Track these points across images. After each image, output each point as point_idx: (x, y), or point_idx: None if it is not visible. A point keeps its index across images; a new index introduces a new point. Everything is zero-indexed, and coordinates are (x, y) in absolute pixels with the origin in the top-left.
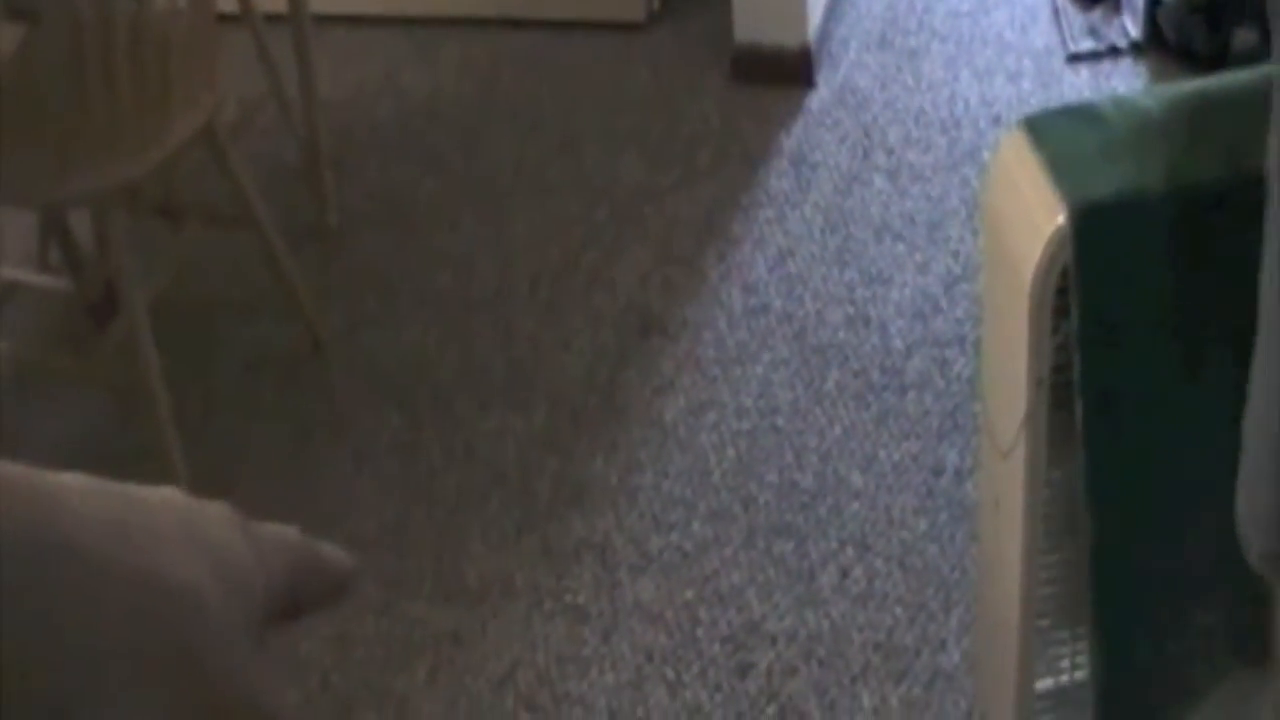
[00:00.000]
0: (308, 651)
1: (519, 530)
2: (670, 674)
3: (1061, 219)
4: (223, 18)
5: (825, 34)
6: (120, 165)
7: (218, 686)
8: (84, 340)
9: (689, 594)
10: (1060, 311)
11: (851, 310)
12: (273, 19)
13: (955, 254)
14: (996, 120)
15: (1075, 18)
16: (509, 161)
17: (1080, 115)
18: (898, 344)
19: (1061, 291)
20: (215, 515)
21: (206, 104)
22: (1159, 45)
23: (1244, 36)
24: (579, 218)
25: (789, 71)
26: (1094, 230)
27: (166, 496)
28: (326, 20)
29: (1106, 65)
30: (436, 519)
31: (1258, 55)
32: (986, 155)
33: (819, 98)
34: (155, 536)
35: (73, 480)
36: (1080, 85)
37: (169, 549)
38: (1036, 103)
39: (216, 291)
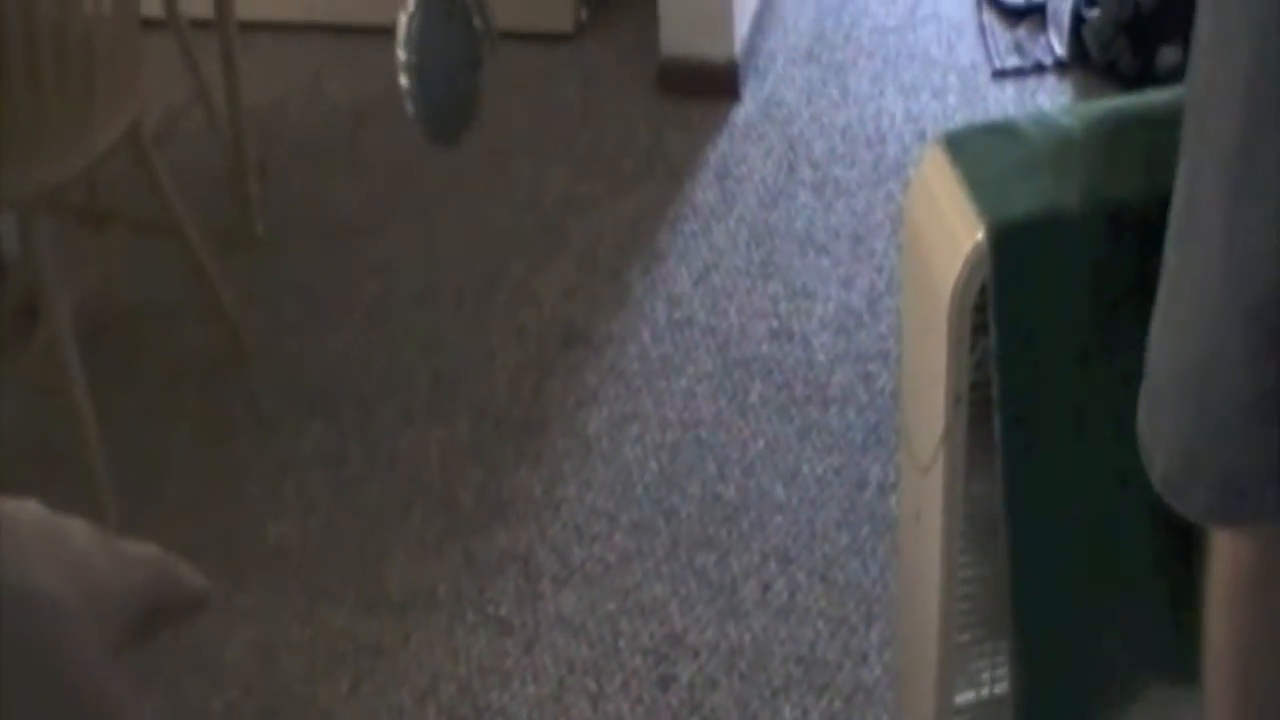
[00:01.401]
0: (230, 659)
1: (441, 541)
2: (592, 686)
3: (980, 236)
4: (147, 23)
5: (752, 47)
6: (44, 169)
7: (75, 694)
8: (7, 344)
9: (611, 606)
10: (979, 328)
11: (775, 324)
12: (198, 25)
13: (879, 269)
14: (921, 136)
15: (1001, 35)
16: (435, 171)
17: (1000, 132)
18: (821, 358)
19: (980, 308)
20: (77, 529)
21: (131, 109)
22: (1084, 63)
23: (1168, 55)
24: (505, 228)
25: (715, 84)
26: (1012, 247)
27: (29, 509)
28: (252, 27)
29: (1032, 82)
30: (360, 528)
31: (1182, 74)
32: (911, 171)
33: (745, 111)
34: (17, 546)
35: None
36: (1005, 102)
37: (29, 559)
38: (961, 119)
39: (141, 298)
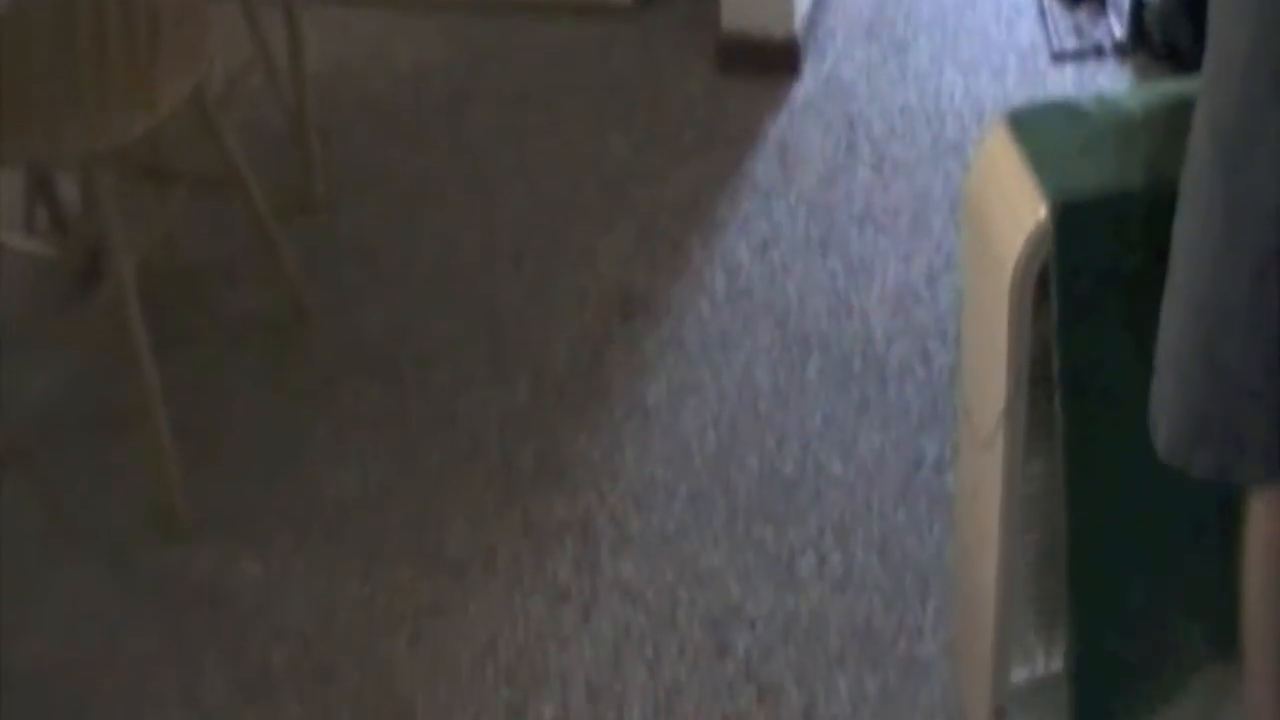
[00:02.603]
0: (290, 615)
1: (500, 504)
2: (649, 653)
3: (1043, 213)
4: None
5: (812, 24)
6: (110, 129)
7: None
8: (70, 304)
9: (669, 575)
10: (1040, 304)
11: (834, 299)
12: None
13: (938, 247)
14: (980, 115)
15: (1060, 17)
16: (495, 139)
17: (1063, 111)
18: (879, 334)
19: (1041, 285)
20: None
21: (196, 71)
22: (1144, 45)
23: None
24: (564, 196)
25: (775, 61)
26: (1075, 225)
27: None
28: None
29: (1091, 65)
30: (419, 489)
31: None
32: (970, 149)
33: (804, 87)
34: None
35: None
36: (1064, 84)
37: None
38: (1020, 100)
39: (203, 258)
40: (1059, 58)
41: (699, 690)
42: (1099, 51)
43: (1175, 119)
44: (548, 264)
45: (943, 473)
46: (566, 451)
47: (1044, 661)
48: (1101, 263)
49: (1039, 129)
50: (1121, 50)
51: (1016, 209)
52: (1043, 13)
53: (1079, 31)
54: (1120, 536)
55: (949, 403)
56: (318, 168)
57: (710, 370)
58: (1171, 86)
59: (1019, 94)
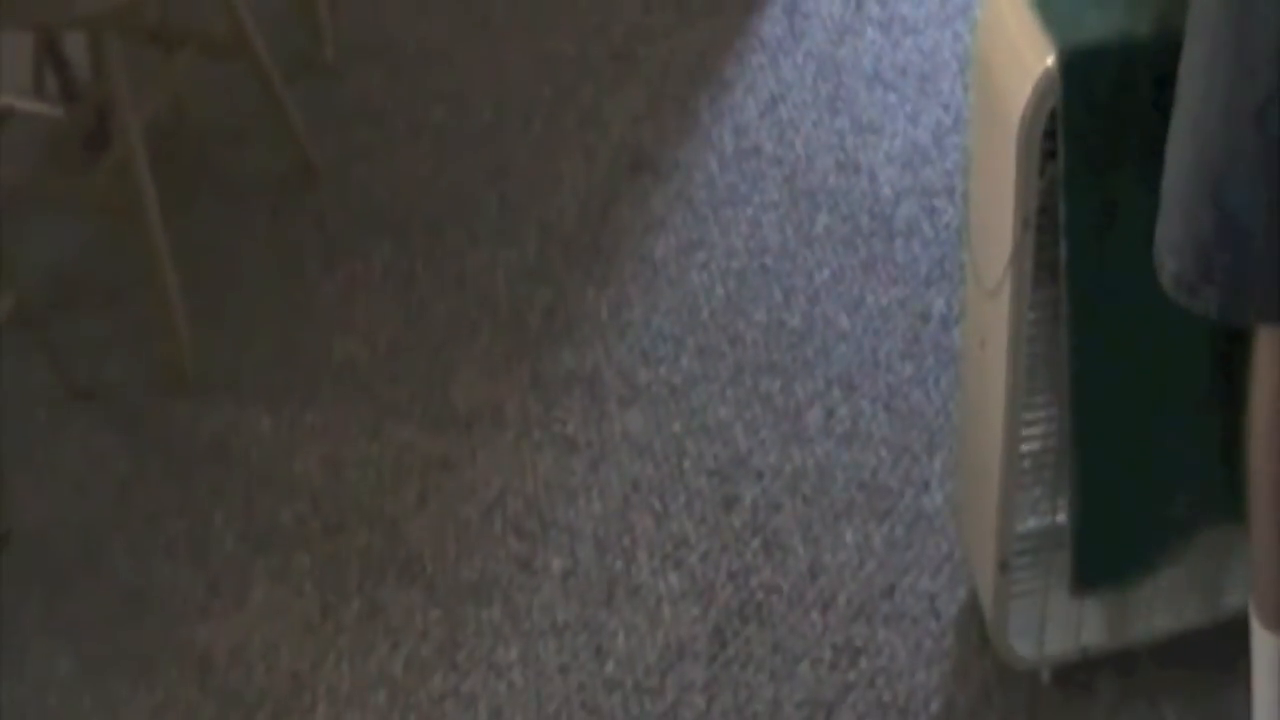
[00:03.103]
0: (299, 473)
1: (509, 359)
2: (656, 505)
3: (1050, 61)
4: None
5: None
6: None
7: None
8: (78, 167)
9: (676, 427)
10: (1047, 154)
11: (842, 156)
12: None
13: (946, 106)
14: None
15: None
16: (504, 1)
17: None
18: (887, 191)
19: (1049, 134)
20: None
21: None
22: None
23: None
24: (573, 56)
25: None
26: (1082, 73)
27: None
28: None
29: None
30: (427, 347)
31: None
32: (978, 9)
33: None
34: None
35: None
36: None
37: None
38: None
39: (210, 120)
40: None
41: (706, 542)
42: None
43: None
44: (556, 124)
45: (950, 328)
46: (574, 307)
47: (1051, 513)
48: (1108, 110)
49: None
50: None
51: (1024, 57)
52: None
53: None
54: (1124, 390)
55: (956, 259)
56: (326, 30)
57: (718, 226)
58: None
59: None
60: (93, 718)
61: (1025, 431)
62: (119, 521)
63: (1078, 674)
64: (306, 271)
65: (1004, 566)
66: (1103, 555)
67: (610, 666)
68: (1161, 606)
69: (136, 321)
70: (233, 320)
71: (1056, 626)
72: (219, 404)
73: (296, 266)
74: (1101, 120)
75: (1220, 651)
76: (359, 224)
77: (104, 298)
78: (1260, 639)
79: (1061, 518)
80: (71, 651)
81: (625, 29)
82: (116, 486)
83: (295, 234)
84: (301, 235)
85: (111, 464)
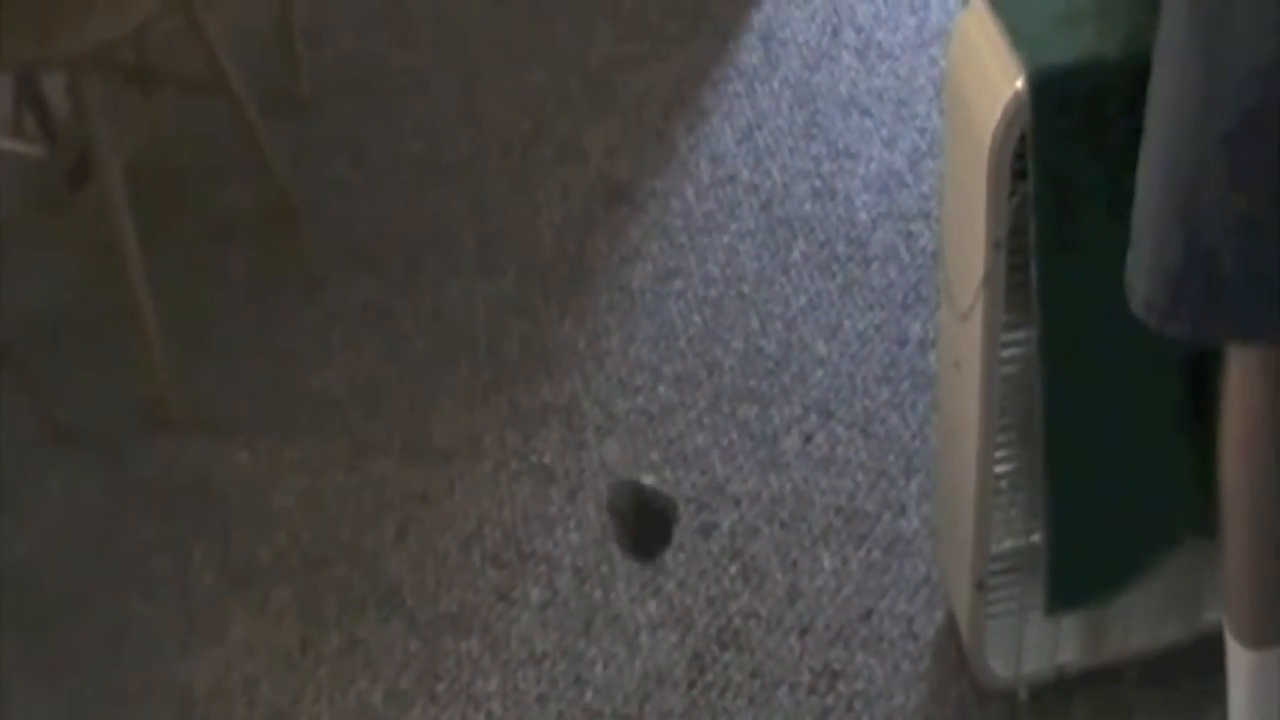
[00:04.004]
0: (278, 508)
1: (487, 392)
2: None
3: (1020, 84)
4: None
5: None
6: (96, 28)
7: None
8: (59, 206)
9: (654, 455)
10: (1018, 176)
11: (818, 183)
12: None
13: (922, 131)
14: (965, 1)
15: None
16: (480, 31)
17: None
18: (863, 217)
19: (1020, 156)
20: None
21: None
22: None
23: None
24: (549, 87)
25: None
26: (1051, 95)
27: None
28: None
29: None
30: (406, 380)
31: None
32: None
33: None
34: None
35: None
36: None
37: None
38: None
39: (189, 158)
40: None
41: (684, 570)
42: None
43: None
44: (533, 155)
45: (926, 352)
46: (552, 338)
47: (1025, 538)
48: (1079, 133)
49: (1017, 2)
50: None
51: (994, 80)
52: None
53: None
54: (1097, 410)
55: (932, 284)
56: (302, 64)
57: (695, 255)
58: None
59: None
60: None
61: (1000, 453)
62: (100, 560)
63: (1055, 693)
64: (284, 306)
65: (980, 587)
66: (1077, 575)
67: (589, 695)
68: (1138, 623)
69: (116, 359)
70: (212, 356)
71: (1033, 646)
72: (199, 440)
73: (275, 302)
74: (1071, 142)
75: (1197, 667)
76: (337, 258)
77: (84, 336)
78: (1235, 654)
79: (1037, 538)
80: (54, 691)
81: (602, 59)
82: (98, 525)
83: (274, 269)
84: (280, 271)
85: (93, 502)
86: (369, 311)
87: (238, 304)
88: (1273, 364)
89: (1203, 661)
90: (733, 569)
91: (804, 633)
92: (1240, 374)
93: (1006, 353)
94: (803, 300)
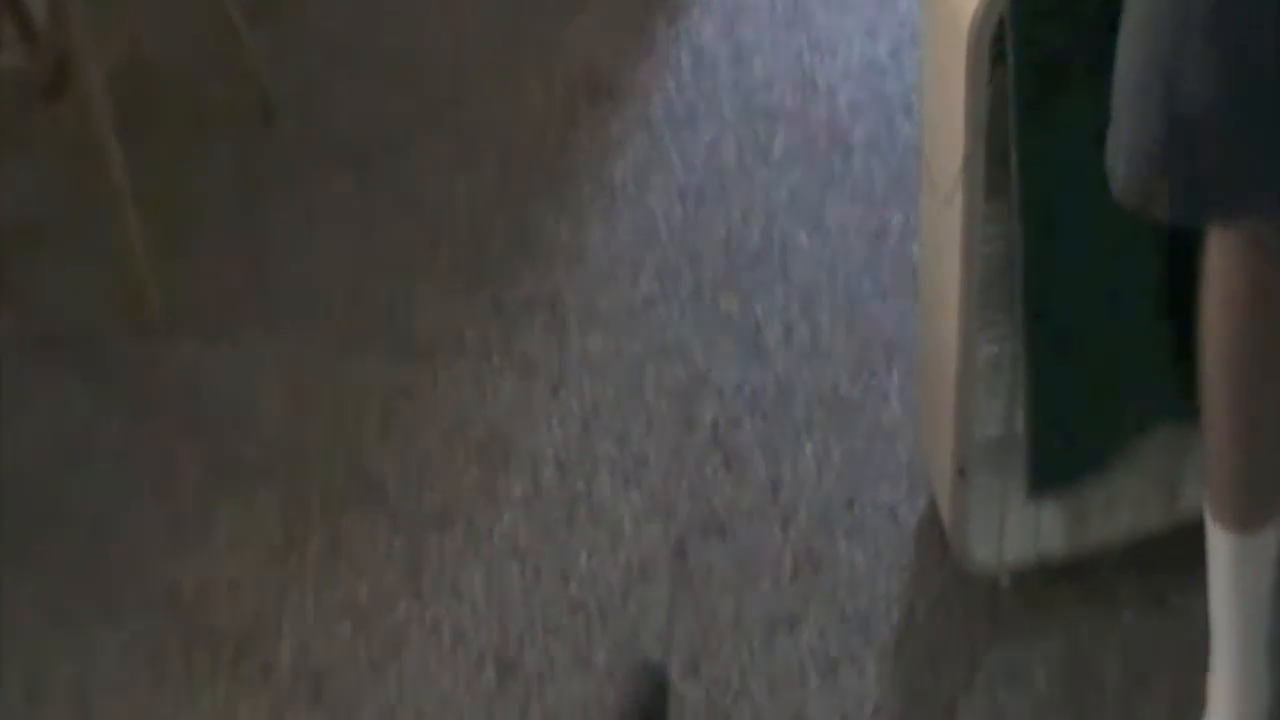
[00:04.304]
0: (261, 409)
1: (469, 286)
2: (618, 426)
3: None
4: None
5: None
6: None
7: None
8: (39, 111)
9: (636, 348)
10: (998, 60)
11: (799, 75)
12: None
13: (903, 23)
14: None
15: None
16: None
17: None
18: (844, 108)
19: (998, 40)
20: None
21: None
22: None
23: None
24: None
25: None
26: None
27: None
28: None
29: None
30: (388, 274)
31: None
32: None
33: None
34: None
35: None
36: None
37: None
38: None
39: (170, 59)
40: None
41: (667, 461)
42: None
43: None
44: (514, 52)
45: (908, 242)
46: (534, 232)
47: (1007, 425)
48: (1057, 15)
49: None
50: None
51: None
52: None
53: None
54: (1077, 292)
55: (914, 175)
56: None
57: (677, 148)
58: None
59: None
60: (61, 659)
61: (982, 337)
62: (84, 462)
63: (1037, 580)
64: (266, 203)
65: (963, 473)
66: (1058, 456)
67: (573, 587)
68: (1119, 510)
69: (98, 262)
70: (195, 255)
71: (1015, 534)
72: (182, 340)
73: (257, 201)
74: (1049, 19)
75: (1178, 556)
76: (318, 154)
77: (65, 239)
78: (1215, 537)
79: (1019, 426)
80: (39, 596)
81: None
82: (81, 427)
83: (255, 169)
84: (262, 170)
85: (76, 405)
86: (350, 207)
87: (219, 204)
88: (1252, 245)
89: (1184, 549)
90: (715, 460)
91: (786, 522)
92: (1220, 255)
93: (987, 238)
94: (784, 192)
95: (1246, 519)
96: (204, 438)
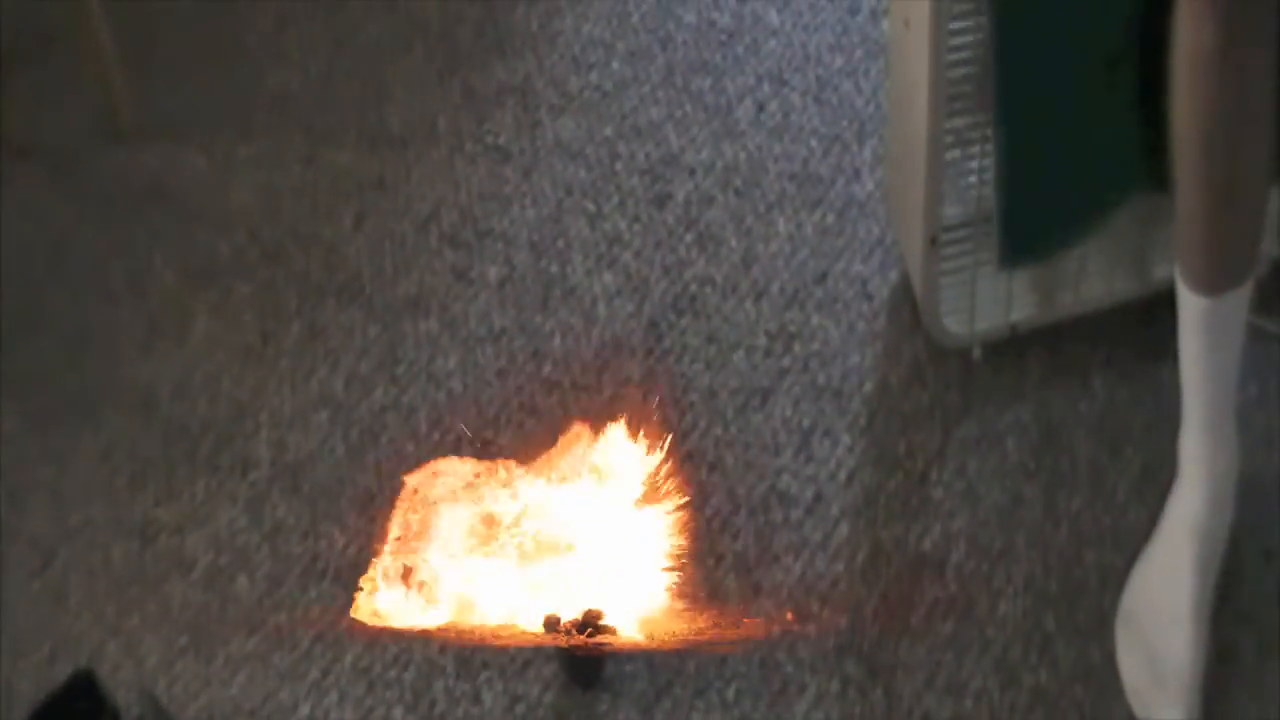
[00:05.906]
0: (235, 205)
1: (441, 76)
2: (590, 206)
3: None
4: None
5: None
6: None
7: None
8: None
9: (608, 130)
10: None
11: None
12: None
13: None
14: None
15: None
16: None
17: None
18: None
19: None
20: None
21: None
22: None
23: None
24: None
25: None
26: None
27: None
28: None
29: None
30: (359, 70)
31: None
32: None
33: None
34: None
35: None
36: None
37: None
38: None
39: None
40: None
41: (640, 239)
42: None
43: None
44: None
45: (878, 21)
46: (505, 20)
47: (977, 198)
48: None
49: None
50: None
51: None
52: None
53: None
54: (1047, 60)
55: None
56: None
57: None
58: None
59: None
60: (41, 467)
61: (951, 110)
62: (58, 270)
63: (1008, 351)
64: (236, 6)
65: (933, 242)
66: (1030, 227)
67: (548, 367)
68: (1090, 281)
69: (68, 71)
70: (166, 62)
71: (987, 304)
72: (155, 146)
73: (227, 8)
74: None
75: (1147, 328)
76: None
77: (34, 49)
78: (1187, 302)
79: (989, 198)
80: (16, 406)
81: None
82: (55, 236)
83: None
84: None
85: (49, 214)
86: (320, 4)
87: (189, 10)
88: (1221, 2)
89: (1153, 318)
90: (688, 237)
91: (759, 297)
92: (1190, 12)
93: (957, 13)
94: None
95: (1216, 282)
96: (178, 240)
